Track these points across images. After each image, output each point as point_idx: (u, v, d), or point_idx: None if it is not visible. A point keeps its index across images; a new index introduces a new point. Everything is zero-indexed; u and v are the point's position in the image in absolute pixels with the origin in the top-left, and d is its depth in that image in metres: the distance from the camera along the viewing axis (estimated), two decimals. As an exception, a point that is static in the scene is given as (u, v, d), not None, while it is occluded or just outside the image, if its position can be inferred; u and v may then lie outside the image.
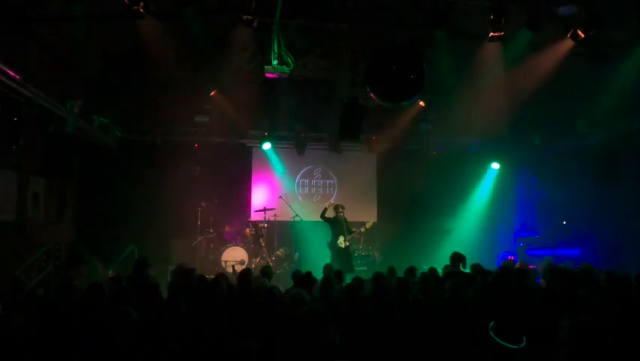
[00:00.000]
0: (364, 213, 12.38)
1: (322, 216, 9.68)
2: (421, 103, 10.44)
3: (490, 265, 11.00)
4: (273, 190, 12.40)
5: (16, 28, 7.14)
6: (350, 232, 9.56)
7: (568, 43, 7.64)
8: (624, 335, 3.49)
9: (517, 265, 7.51)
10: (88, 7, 7.14)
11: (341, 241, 9.41)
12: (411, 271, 6.51)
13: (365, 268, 10.58)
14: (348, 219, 9.77)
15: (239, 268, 9.28)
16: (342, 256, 9.32)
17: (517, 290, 4.63)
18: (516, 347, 3.35)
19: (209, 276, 5.95)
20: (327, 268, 6.81)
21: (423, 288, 5.42)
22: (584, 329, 2.81)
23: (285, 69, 7.05)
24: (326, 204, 9.99)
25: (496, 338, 3.39)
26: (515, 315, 3.71)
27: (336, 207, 9.76)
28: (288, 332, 3.34)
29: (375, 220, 10.36)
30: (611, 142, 9.72)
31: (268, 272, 6.30)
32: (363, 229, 9.70)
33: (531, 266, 8.15)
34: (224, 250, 10.79)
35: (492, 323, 3.49)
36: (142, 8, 6.58)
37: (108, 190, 10.92)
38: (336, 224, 9.59)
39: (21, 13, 6.96)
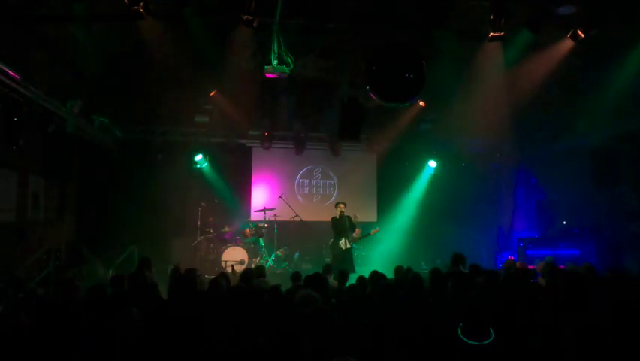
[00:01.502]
0: (364, 214, 12.39)
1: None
2: (421, 103, 10.43)
3: (490, 265, 11.03)
4: (273, 190, 12.39)
5: (16, 28, 7.14)
6: (353, 232, 9.52)
7: (568, 43, 7.63)
8: (624, 335, 3.48)
9: (518, 265, 7.50)
10: (88, 7, 7.13)
11: (342, 243, 9.36)
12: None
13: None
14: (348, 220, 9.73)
15: (239, 268, 9.30)
16: (343, 257, 9.27)
17: (519, 290, 4.63)
18: (478, 343, 3.31)
19: (210, 276, 5.97)
20: (327, 268, 6.83)
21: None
22: (584, 329, 2.81)
23: (285, 69, 7.05)
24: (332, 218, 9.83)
25: (462, 337, 3.35)
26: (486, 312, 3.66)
27: (336, 205, 9.73)
28: (296, 331, 3.33)
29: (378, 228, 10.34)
30: (611, 142, 9.71)
31: (262, 272, 6.41)
32: (366, 234, 9.71)
33: (530, 266, 8.15)
34: (224, 250, 10.79)
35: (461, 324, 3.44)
36: (142, 8, 6.56)
37: (108, 190, 10.92)
38: (338, 224, 9.54)
39: (21, 13, 6.95)
